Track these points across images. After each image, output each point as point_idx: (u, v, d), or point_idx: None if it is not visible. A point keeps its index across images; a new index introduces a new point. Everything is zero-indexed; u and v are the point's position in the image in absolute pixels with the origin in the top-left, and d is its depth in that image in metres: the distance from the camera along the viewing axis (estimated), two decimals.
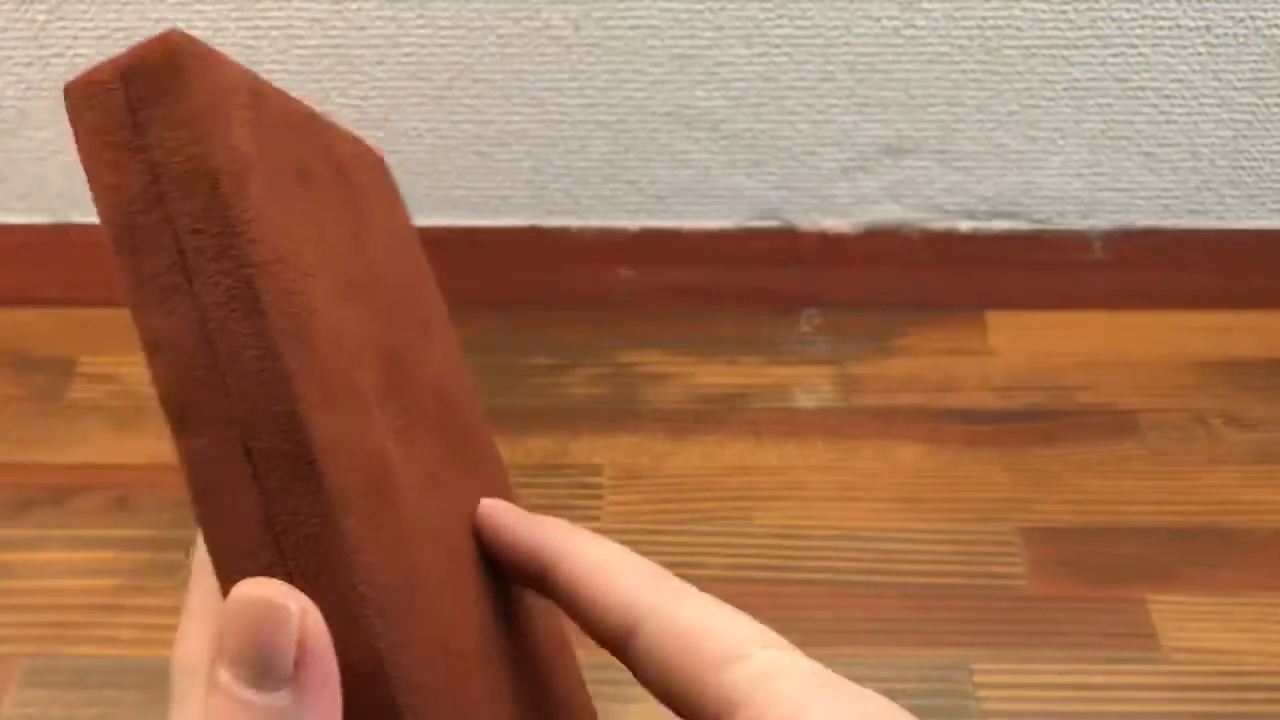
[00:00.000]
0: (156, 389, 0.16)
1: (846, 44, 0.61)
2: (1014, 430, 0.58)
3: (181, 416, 0.17)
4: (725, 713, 0.19)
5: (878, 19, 0.61)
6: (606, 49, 0.62)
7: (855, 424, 0.58)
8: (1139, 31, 0.61)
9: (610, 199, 0.67)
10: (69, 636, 0.53)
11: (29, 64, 0.63)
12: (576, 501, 0.53)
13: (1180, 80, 0.62)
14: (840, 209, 0.67)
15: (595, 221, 0.68)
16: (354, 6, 0.61)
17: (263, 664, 0.17)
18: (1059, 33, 0.61)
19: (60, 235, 0.68)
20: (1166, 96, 0.63)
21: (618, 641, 0.21)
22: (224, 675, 0.17)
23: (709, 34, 0.61)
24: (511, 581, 0.23)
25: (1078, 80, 0.62)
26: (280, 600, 0.17)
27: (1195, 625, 0.50)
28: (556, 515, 0.55)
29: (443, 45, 0.62)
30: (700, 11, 0.60)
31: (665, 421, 0.57)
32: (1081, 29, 0.61)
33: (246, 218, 0.17)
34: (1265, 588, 0.51)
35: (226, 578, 0.17)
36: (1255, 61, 0.62)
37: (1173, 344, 0.65)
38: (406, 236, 0.24)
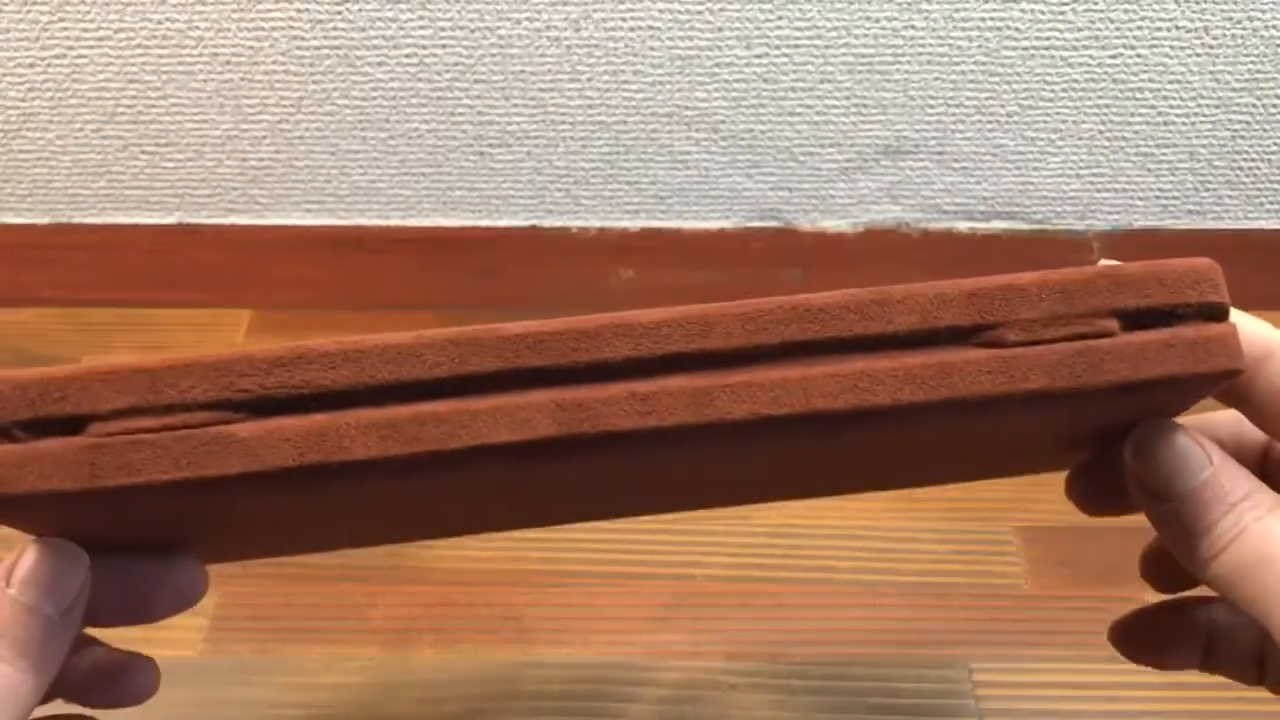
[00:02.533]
0: None
1: (846, 45, 0.62)
2: None
3: None
4: None
5: (877, 20, 0.61)
6: (606, 50, 0.62)
7: None
8: (1137, 33, 0.61)
9: (610, 199, 0.67)
10: None
11: (31, 65, 0.63)
12: None
13: (1178, 81, 0.63)
14: (839, 209, 0.67)
15: (595, 221, 0.68)
16: (355, 7, 0.61)
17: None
18: (1057, 34, 0.61)
19: (61, 235, 0.68)
20: (1164, 98, 0.63)
21: None
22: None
23: (709, 34, 0.61)
24: None
25: (1075, 81, 0.63)
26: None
27: None
28: None
29: (443, 45, 0.62)
30: (700, 12, 0.61)
31: None
32: (1079, 30, 0.61)
33: None
34: None
35: None
36: (1253, 62, 0.62)
37: None
38: None
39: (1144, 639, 0.34)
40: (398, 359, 0.24)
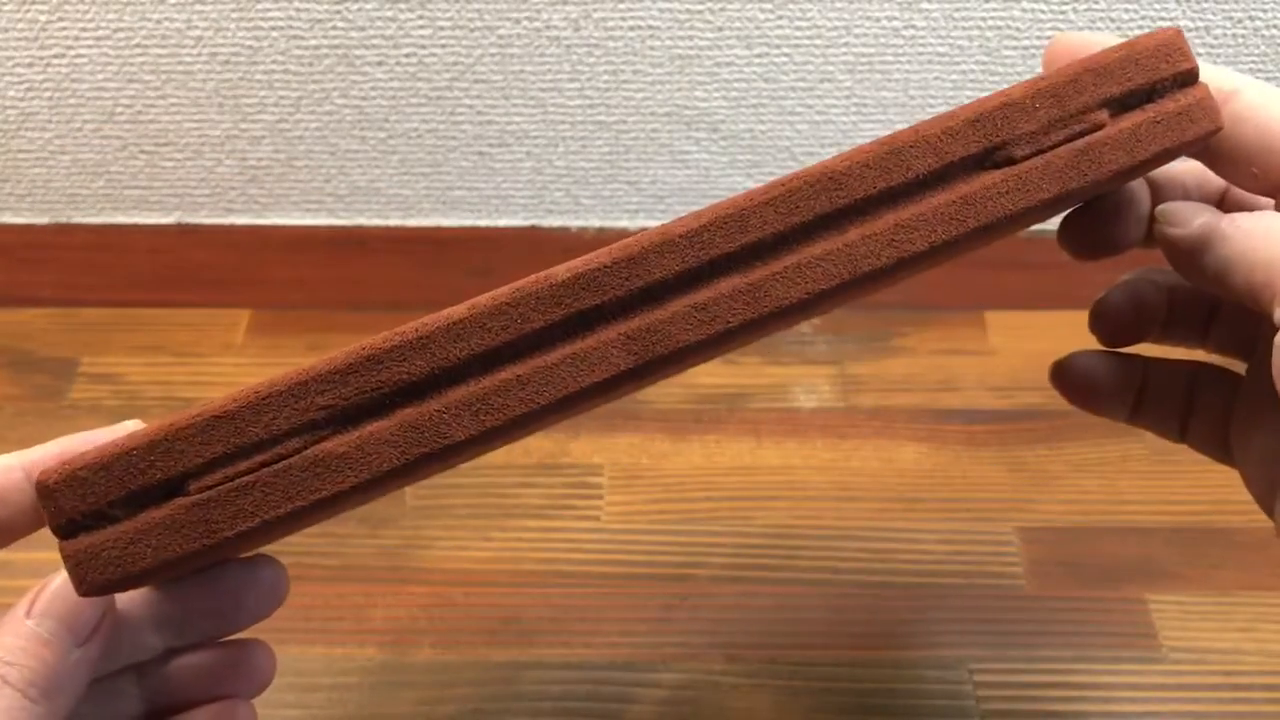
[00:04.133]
0: None
1: (846, 44, 0.61)
2: (1014, 430, 0.58)
3: None
4: None
5: (877, 19, 0.61)
6: (606, 49, 0.62)
7: (855, 424, 0.58)
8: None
9: (610, 199, 0.67)
10: None
11: (30, 64, 0.63)
12: (576, 501, 0.54)
13: None
14: None
15: (595, 221, 0.68)
16: (354, 7, 0.61)
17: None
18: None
19: (60, 235, 0.68)
20: None
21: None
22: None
23: (709, 34, 0.61)
24: None
25: None
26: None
27: (1195, 625, 0.50)
28: (556, 515, 0.56)
29: (443, 45, 0.62)
30: (700, 12, 0.61)
31: (665, 422, 0.57)
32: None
33: None
34: (1265, 588, 0.51)
35: None
36: (1254, 62, 0.62)
37: None
38: None
39: (1080, 380, 0.38)
40: (464, 334, 0.25)
